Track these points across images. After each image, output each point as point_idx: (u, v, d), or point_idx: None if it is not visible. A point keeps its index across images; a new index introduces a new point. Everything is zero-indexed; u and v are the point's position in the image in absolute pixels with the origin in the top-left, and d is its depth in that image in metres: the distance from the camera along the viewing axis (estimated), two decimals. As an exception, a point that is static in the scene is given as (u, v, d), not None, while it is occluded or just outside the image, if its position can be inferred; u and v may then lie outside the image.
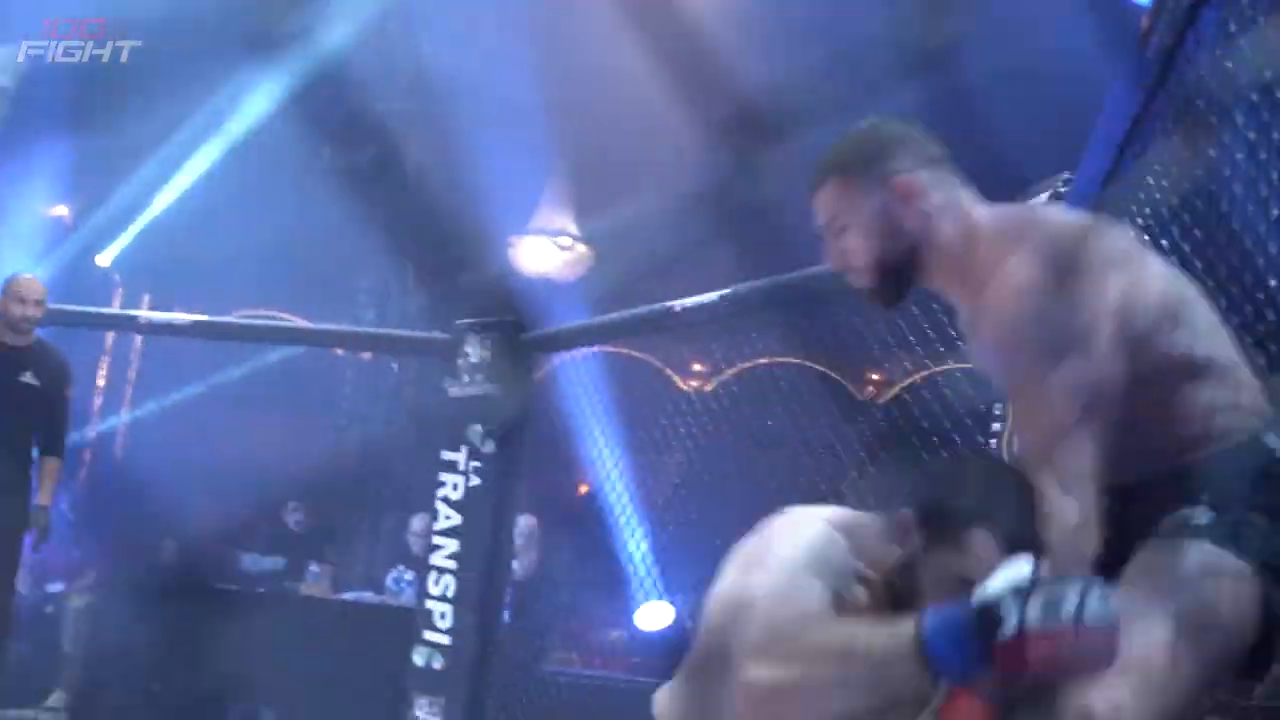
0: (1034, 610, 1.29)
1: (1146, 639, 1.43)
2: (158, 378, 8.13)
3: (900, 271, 1.66)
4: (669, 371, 7.66)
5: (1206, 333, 1.57)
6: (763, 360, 7.48)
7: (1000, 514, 1.50)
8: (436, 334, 4.98)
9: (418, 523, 5.48)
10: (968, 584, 1.46)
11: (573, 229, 8.68)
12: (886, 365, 7.51)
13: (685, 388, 7.62)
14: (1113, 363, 1.48)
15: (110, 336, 8.43)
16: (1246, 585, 1.48)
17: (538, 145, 7.55)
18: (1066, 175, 2.76)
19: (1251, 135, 1.58)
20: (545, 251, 8.66)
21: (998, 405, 3.00)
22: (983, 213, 1.63)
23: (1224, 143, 1.72)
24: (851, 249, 1.67)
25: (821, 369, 7.36)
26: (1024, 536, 1.47)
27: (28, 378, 4.58)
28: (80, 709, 5.24)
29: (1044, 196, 2.77)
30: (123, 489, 7.24)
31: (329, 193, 7.53)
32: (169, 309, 5.74)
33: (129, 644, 5.15)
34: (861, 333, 5.36)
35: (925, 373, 6.17)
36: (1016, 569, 1.37)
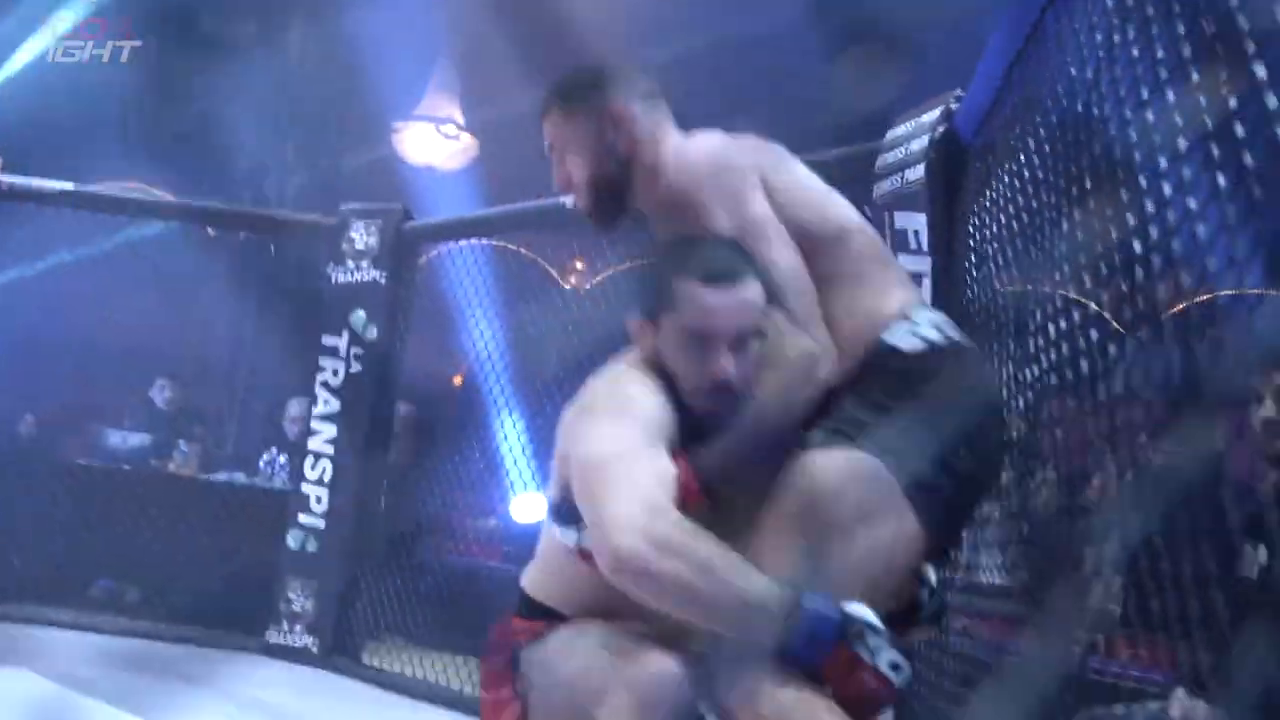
0: (882, 657, 1.47)
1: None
2: (13, 246, 7.76)
3: (614, 191, 1.88)
4: (551, 269, 7.65)
5: (843, 241, 1.81)
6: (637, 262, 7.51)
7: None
8: (320, 217, 4.89)
9: (295, 407, 5.43)
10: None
11: (459, 117, 8.51)
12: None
13: (566, 285, 7.64)
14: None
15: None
16: (875, 473, 1.62)
17: (427, 27, 7.36)
18: (959, 92, 2.85)
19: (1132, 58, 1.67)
20: (430, 140, 8.48)
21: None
22: (676, 141, 1.87)
23: (1106, 67, 1.81)
24: (571, 170, 1.89)
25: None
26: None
27: None
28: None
29: (937, 112, 2.87)
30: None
31: (206, 64, 7.22)
32: (23, 175, 5.49)
33: (-15, 518, 5.01)
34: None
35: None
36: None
